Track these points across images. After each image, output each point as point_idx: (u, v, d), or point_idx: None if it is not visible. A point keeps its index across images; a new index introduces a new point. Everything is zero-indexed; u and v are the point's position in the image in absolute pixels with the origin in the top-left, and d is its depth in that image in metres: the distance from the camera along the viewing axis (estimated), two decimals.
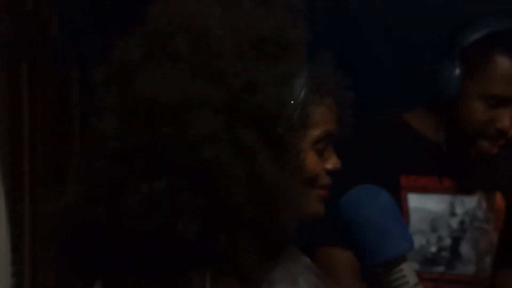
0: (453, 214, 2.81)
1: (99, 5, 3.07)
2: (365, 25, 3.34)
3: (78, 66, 3.24)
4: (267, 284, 1.75)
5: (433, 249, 2.77)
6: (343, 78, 1.85)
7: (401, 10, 3.23)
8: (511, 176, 2.74)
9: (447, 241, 2.78)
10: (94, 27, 3.09)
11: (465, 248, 2.81)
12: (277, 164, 1.54)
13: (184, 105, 1.50)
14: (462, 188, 2.81)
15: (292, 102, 1.61)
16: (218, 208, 1.49)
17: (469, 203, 2.83)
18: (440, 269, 2.79)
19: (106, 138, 1.53)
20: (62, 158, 3.17)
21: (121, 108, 1.54)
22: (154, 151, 1.49)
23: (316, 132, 1.79)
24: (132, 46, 1.58)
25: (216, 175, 1.49)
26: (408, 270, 1.71)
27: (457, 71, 2.69)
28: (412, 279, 1.71)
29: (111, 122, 1.54)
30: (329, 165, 1.83)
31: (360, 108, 2.92)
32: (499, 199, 2.85)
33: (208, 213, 1.49)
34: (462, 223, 2.81)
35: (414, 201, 2.79)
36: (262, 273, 1.62)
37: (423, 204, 2.78)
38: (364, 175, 1.83)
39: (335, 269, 2.47)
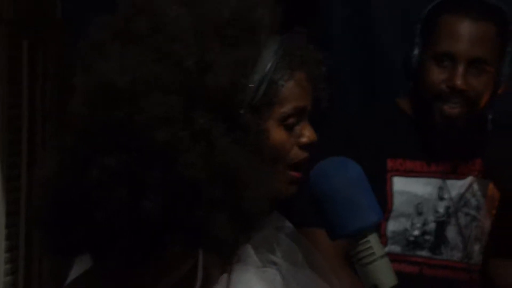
0: (440, 198, 2.77)
1: None
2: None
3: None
4: (258, 250, 1.79)
5: (416, 232, 2.72)
6: (317, 53, 1.80)
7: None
8: (502, 166, 2.65)
9: (432, 226, 2.73)
10: (97, 10, 3.07)
11: (451, 234, 2.77)
12: (237, 143, 1.58)
13: (138, 87, 1.54)
14: (450, 172, 2.77)
15: (252, 85, 1.63)
16: (180, 186, 1.54)
17: (459, 188, 2.78)
18: (424, 253, 2.75)
19: (72, 116, 1.60)
20: None
21: (85, 89, 1.59)
22: (113, 129, 1.54)
23: (283, 109, 1.74)
24: (101, 28, 1.62)
25: (172, 155, 1.53)
26: (375, 242, 1.68)
27: (416, 40, 2.73)
28: (378, 251, 1.68)
29: (77, 101, 1.60)
30: (303, 139, 1.79)
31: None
32: (493, 187, 2.79)
33: (170, 190, 1.54)
34: (448, 207, 2.76)
35: (399, 184, 2.75)
36: (236, 246, 1.65)
37: (408, 188, 2.74)
38: (351, 157, 1.78)
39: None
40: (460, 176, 2.78)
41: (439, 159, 2.75)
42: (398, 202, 2.73)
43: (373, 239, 1.68)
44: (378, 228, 1.74)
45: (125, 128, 1.53)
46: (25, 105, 3.14)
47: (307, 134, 1.79)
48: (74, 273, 1.77)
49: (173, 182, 1.53)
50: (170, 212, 1.54)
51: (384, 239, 2.69)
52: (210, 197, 1.54)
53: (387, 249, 2.66)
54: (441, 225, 2.76)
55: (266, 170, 1.63)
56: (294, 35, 1.77)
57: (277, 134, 1.74)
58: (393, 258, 2.55)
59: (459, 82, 2.63)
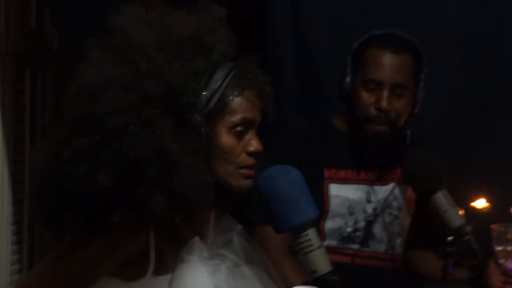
0: (368, 201, 2.74)
1: (96, 23, 2.99)
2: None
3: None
4: (208, 246, 1.79)
5: (349, 229, 2.70)
6: (265, 76, 1.82)
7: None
8: (416, 173, 2.58)
9: (362, 224, 2.71)
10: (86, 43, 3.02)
11: (377, 230, 2.75)
12: (179, 136, 1.64)
13: (105, 84, 1.64)
14: (376, 179, 2.74)
15: (205, 93, 1.70)
16: (126, 164, 1.61)
17: (383, 192, 2.76)
18: (355, 246, 2.73)
19: (65, 111, 1.72)
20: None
21: (74, 89, 1.69)
22: (85, 118, 1.65)
23: (233, 118, 1.76)
24: (92, 47, 1.73)
25: (121, 138, 1.61)
26: (313, 235, 1.68)
27: (348, 70, 2.70)
28: (316, 242, 1.67)
29: (65, 100, 1.72)
30: (250, 148, 1.80)
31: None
32: (410, 190, 2.74)
33: (119, 167, 1.62)
34: (375, 209, 2.74)
35: (334, 189, 2.72)
36: (176, 225, 1.69)
37: (342, 192, 2.72)
38: (296, 166, 1.75)
39: (265, 245, 2.36)
40: (384, 182, 2.76)
41: (367, 168, 2.73)
42: (333, 205, 2.71)
43: (311, 232, 1.67)
44: (317, 225, 1.70)
45: (91, 116, 1.63)
46: (27, 120, 3.11)
47: (254, 144, 1.80)
48: None
49: (122, 160, 1.61)
50: (118, 186, 1.62)
51: (323, 235, 2.67)
52: (148, 174, 1.61)
53: (325, 243, 2.66)
54: (369, 223, 2.74)
55: (203, 162, 1.68)
56: (247, 60, 1.80)
57: (227, 139, 1.75)
58: (330, 250, 2.58)
59: (384, 104, 2.62)
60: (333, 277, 1.66)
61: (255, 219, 2.44)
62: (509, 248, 2.39)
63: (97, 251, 1.66)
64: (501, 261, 2.40)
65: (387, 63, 2.63)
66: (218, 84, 1.71)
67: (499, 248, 2.40)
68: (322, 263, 1.66)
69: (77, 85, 1.67)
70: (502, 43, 3.17)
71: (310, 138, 2.74)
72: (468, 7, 3.18)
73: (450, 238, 2.49)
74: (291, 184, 1.68)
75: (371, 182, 2.72)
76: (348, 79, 2.69)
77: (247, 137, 1.77)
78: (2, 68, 2.95)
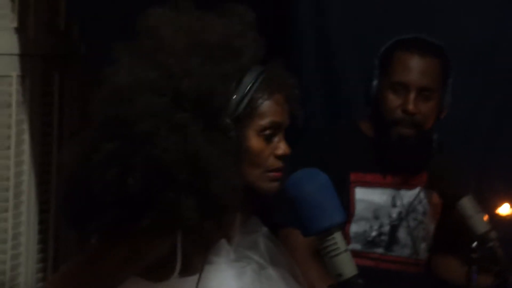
0: (394, 205, 2.74)
1: (122, 28, 3.01)
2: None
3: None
4: (234, 248, 1.79)
5: (374, 233, 2.70)
6: (293, 79, 1.82)
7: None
8: (442, 179, 2.59)
9: (387, 228, 2.70)
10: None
11: (402, 235, 2.74)
12: (211, 140, 1.63)
13: (135, 88, 1.63)
14: (402, 183, 2.73)
15: (235, 96, 1.69)
16: (157, 168, 1.60)
17: (409, 197, 2.75)
18: (380, 250, 2.72)
19: (94, 114, 1.69)
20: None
21: (100, 93, 1.68)
22: (114, 121, 1.63)
23: (262, 122, 1.76)
24: (119, 49, 1.72)
25: (152, 142, 1.60)
26: (339, 239, 1.69)
27: (374, 73, 2.70)
28: (342, 246, 1.69)
29: (94, 103, 1.69)
30: (279, 151, 1.80)
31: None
32: (436, 195, 2.74)
33: (149, 171, 1.60)
34: (400, 213, 2.74)
35: (360, 193, 2.71)
36: (205, 229, 1.66)
37: (368, 196, 2.71)
38: (322, 170, 1.76)
39: (291, 247, 2.36)
40: (410, 186, 2.75)
41: (393, 172, 2.72)
42: (359, 208, 2.71)
43: (337, 236, 1.68)
44: (343, 229, 1.70)
45: (122, 120, 1.62)
46: (56, 122, 3.12)
47: (282, 147, 1.80)
48: None
49: (153, 164, 1.59)
50: (148, 190, 1.60)
51: (348, 239, 2.67)
52: (180, 179, 1.60)
53: (350, 247, 2.60)
54: (394, 228, 2.73)
55: (235, 166, 1.67)
56: (275, 63, 1.80)
57: (256, 142, 1.75)
58: (354, 254, 2.52)
59: (411, 106, 2.62)
60: (358, 281, 1.66)
61: (281, 221, 2.44)
62: None
63: (124, 254, 1.66)
64: None
65: (415, 66, 2.63)
66: (248, 87, 1.71)
67: None
68: (348, 266, 1.66)
69: (106, 88, 1.66)
70: None
71: (336, 142, 2.73)
72: (489, 12, 3.19)
73: (474, 244, 2.49)
74: (319, 188, 1.68)
75: (397, 186, 2.71)
76: (375, 82, 2.68)
77: (276, 140, 1.77)
78: (31, 69, 2.96)
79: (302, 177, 1.70)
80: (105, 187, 1.61)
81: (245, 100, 1.70)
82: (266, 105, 1.74)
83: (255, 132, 1.74)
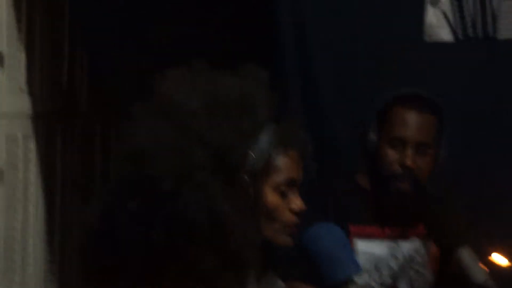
0: (393, 257, 2.71)
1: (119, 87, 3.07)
2: None
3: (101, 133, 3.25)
4: None
5: (375, 285, 2.68)
6: (306, 136, 1.86)
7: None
8: (439, 229, 2.64)
9: (387, 280, 2.69)
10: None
11: (402, 286, 2.71)
12: (230, 197, 1.65)
13: (156, 149, 1.65)
14: (400, 235, 2.75)
15: (252, 154, 1.71)
16: (181, 226, 1.62)
17: (408, 248, 2.72)
18: None
19: (113, 174, 1.77)
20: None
21: (124, 151, 1.71)
22: (136, 181, 1.66)
23: (278, 178, 1.78)
24: (139, 110, 1.75)
25: (175, 200, 1.62)
26: None
27: (372, 127, 2.73)
28: None
29: (115, 162, 1.81)
30: (294, 206, 1.82)
31: None
32: (434, 246, 2.77)
33: (173, 229, 1.62)
34: (400, 265, 2.71)
35: (361, 245, 2.71)
36: (225, 285, 1.67)
37: (368, 248, 2.71)
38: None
39: None
40: (408, 238, 2.75)
41: (391, 224, 2.74)
42: (360, 260, 2.66)
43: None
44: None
45: (144, 179, 1.64)
46: (59, 179, 3.15)
47: (297, 203, 1.82)
48: None
49: (175, 222, 1.61)
50: (172, 247, 1.62)
51: None
52: (201, 235, 1.61)
53: None
54: (395, 280, 2.70)
55: (253, 222, 1.70)
56: (289, 120, 1.83)
57: (272, 198, 1.77)
58: None
59: (409, 162, 2.65)
60: None
61: (286, 275, 2.46)
62: None
63: None
64: None
65: (413, 122, 2.66)
66: (264, 144, 1.73)
67: None
68: None
69: (127, 147, 1.69)
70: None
71: (335, 195, 2.74)
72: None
73: None
74: (337, 242, 1.73)
75: (395, 238, 2.72)
76: (372, 137, 2.71)
77: (290, 195, 1.80)
78: (36, 127, 3.02)
79: (321, 232, 1.74)
80: (130, 244, 1.63)
81: (262, 157, 1.73)
82: (281, 161, 1.77)
83: (271, 188, 1.77)
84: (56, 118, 3.14)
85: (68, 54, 3.13)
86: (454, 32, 3.28)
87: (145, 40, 2.93)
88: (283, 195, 1.79)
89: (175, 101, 1.72)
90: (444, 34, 3.28)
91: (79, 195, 3.19)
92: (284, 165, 1.78)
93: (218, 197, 1.63)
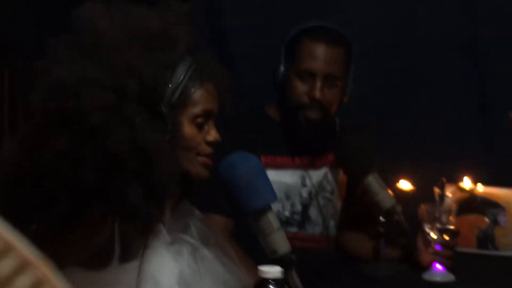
0: (303, 185, 2.81)
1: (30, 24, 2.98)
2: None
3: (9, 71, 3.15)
4: (166, 230, 1.81)
5: (287, 213, 2.76)
6: (223, 69, 1.88)
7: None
8: (348, 158, 2.70)
9: (298, 207, 2.77)
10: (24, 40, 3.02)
11: (313, 213, 2.82)
12: (155, 130, 1.67)
13: (82, 85, 1.64)
14: (310, 164, 2.80)
15: (170, 85, 1.72)
16: (107, 159, 1.62)
17: (317, 176, 2.83)
18: (293, 229, 2.78)
19: (34, 109, 1.69)
20: None
21: (45, 87, 1.68)
22: (61, 118, 1.64)
23: (195, 110, 1.80)
24: (57, 44, 1.72)
25: (103, 134, 1.62)
26: (273, 217, 1.78)
27: (282, 60, 2.75)
28: (275, 224, 1.76)
29: (35, 98, 1.70)
30: (209, 137, 1.87)
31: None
32: (342, 174, 2.84)
33: (100, 162, 1.62)
34: (310, 193, 2.81)
35: (272, 175, 2.68)
36: (150, 215, 1.70)
37: (279, 178, 2.75)
38: None
39: None
40: (317, 167, 2.83)
41: (301, 154, 2.79)
42: None
43: (271, 215, 1.77)
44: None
45: (70, 116, 1.62)
46: None
47: (213, 133, 1.86)
48: None
49: (103, 157, 1.62)
50: (99, 181, 1.62)
51: None
52: (128, 168, 1.63)
53: None
54: (305, 207, 2.81)
55: (175, 153, 1.72)
56: (204, 53, 1.84)
57: (189, 129, 1.80)
58: None
59: (317, 94, 2.67)
60: (292, 256, 1.73)
61: (202, 207, 2.49)
62: (437, 225, 2.50)
63: (67, 242, 1.67)
64: (430, 238, 2.50)
65: (321, 55, 2.68)
66: (181, 77, 1.74)
67: (428, 225, 2.51)
68: (282, 243, 1.73)
69: (47, 82, 1.66)
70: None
71: (246, 127, 2.78)
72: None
73: (381, 219, 2.60)
74: (253, 170, 1.74)
75: (305, 167, 2.78)
76: (282, 69, 2.73)
77: (206, 127, 1.83)
78: None
79: (236, 160, 1.76)
80: (57, 180, 1.62)
81: (179, 89, 1.74)
82: (197, 93, 1.79)
83: (188, 120, 1.79)
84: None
85: None
86: None
87: None
88: (199, 127, 1.81)
89: (95, 33, 1.70)
90: None
91: None
92: (200, 97, 1.80)
93: (145, 130, 1.64)
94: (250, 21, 3.35)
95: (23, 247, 0.63)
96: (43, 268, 0.63)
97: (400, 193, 2.75)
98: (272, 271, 1.56)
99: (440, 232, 2.48)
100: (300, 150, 2.77)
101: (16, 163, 1.69)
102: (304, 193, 2.79)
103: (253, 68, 3.27)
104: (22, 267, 0.62)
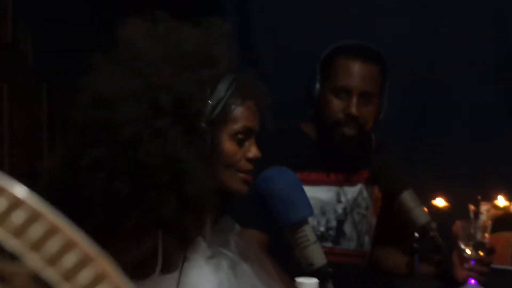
0: (339, 201, 2.82)
1: (69, 42, 3.04)
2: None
3: (47, 88, 3.20)
4: (207, 244, 1.83)
5: (322, 228, 2.78)
6: (263, 87, 1.89)
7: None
8: (384, 175, 2.71)
9: (333, 223, 2.78)
10: (62, 57, 3.07)
11: (348, 229, 2.83)
12: (189, 144, 1.68)
13: (117, 96, 1.66)
14: (345, 181, 2.82)
15: (210, 102, 1.74)
16: (142, 172, 1.64)
17: (352, 193, 2.84)
18: (328, 244, 2.79)
19: (73, 121, 1.72)
20: (32, 158, 3.10)
21: (84, 100, 1.71)
22: (98, 128, 1.66)
23: (235, 126, 1.83)
24: (98, 58, 1.75)
25: (135, 148, 1.64)
26: (309, 231, 1.80)
27: (317, 77, 2.77)
28: (312, 237, 1.78)
29: (76, 110, 1.72)
30: (250, 154, 1.87)
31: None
32: (377, 191, 2.86)
33: (133, 174, 1.64)
34: (345, 209, 2.83)
35: (307, 191, 2.70)
36: (184, 227, 1.71)
37: (314, 194, 2.76)
38: None
39: None
40: (352, 183, 2.84)
41: (336, 170, 2.81)
42: None
43: (307, 228, 1.79)
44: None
45: (106, 127, 1.65)
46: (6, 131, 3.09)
47: (253, 150, 1.87)
48: None
49: (136, 168, 1.63)
50: (133, 193, 1.64)
51: None
52: (161, 180, 1.64)
53: None
54: (340, 223, 2.82)
55: (210, 168, 1.73)
56: (246, 72, 1.87)
57: (229, 145, 1.82)
58: None
59: (353, 110, 2.69)
60: (328, 269, 1.76)
61: (238, 222, 2.52)
62: (472, 242, 2.51)
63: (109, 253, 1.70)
64: (465, 254, 2.51)
65: (357, 72, 2.71)
66: (222, 94, 1.77)
67: (463, 242, 2.52)
68: (318, 256, 1.76)
69: (87, 95, 1.70)
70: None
71: (282, 144, 2.78)
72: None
73: (416, 235, 2.61)
74: (289, 184, 1.77)
75: (340, 184, 2.80)
76: (317, 86, 2.76)
77: (247, 144, 1.85)
78: None
79: (273, 175, 1.79)
80: (93, 191, 1.64)
81: (220, 106, 1.76)
82: (238, 110, 1.82)
83: (228, 136, 1.81)
84: (2, 73, 3.11)
85: (12, 6, 3.09)
86: None
87: None
88: (239, 143, 1.84)
89: (135, 49, 1.73)
90: None
91: (26, 152, 3.17)
92: (241, 114, 1.82)
93: (177, 144, 1.66)
94: (279, 40, 3.39)
95: (85, 243, 0.67)
96: (104, 263, 0.67)
97: (435, 210, 2.77)
98: (309, 282, 1.58)
99: (475, 248, 2.49)
100: (335, 167, 2.79)
101: (55, 176, 1.72)
102: (339, 209, 2.80)
103: (281, 86, 3.30)
104: (85, 261, 0.66)
